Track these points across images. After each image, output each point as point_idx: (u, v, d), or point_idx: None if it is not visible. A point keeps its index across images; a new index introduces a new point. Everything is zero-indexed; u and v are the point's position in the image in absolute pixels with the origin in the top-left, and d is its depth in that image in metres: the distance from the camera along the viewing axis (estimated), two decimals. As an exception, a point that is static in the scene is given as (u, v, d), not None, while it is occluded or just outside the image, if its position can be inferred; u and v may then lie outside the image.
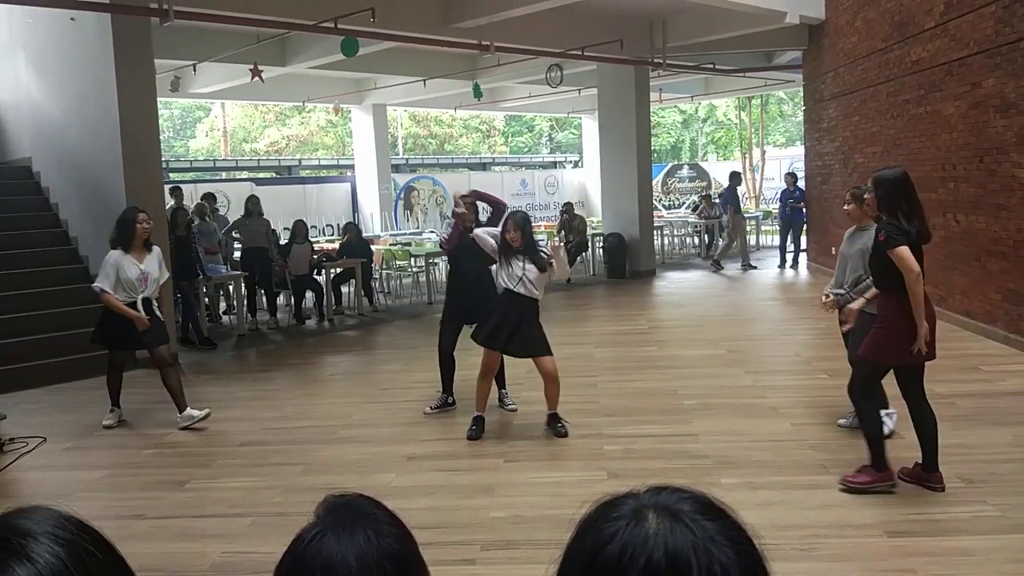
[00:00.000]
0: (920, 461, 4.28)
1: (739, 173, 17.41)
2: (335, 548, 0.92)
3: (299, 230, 10.84)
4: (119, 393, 6.33)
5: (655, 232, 15.14)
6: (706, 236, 17.20)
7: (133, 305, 5.86)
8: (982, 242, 7.86)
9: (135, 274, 5.88)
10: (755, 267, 14.26)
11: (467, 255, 5.93)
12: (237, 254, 11.17)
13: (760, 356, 7.80)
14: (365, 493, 1.03)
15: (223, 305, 11.60)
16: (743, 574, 0.75)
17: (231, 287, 11.26)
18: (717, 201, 17.99)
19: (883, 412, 4.83)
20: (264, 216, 10.84)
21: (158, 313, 6.09)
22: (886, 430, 4.80)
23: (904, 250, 4.01)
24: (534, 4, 9.44)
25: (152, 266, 6.00)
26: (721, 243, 14.95)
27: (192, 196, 13.76)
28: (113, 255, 5.89)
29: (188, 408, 6.06)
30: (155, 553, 3.95)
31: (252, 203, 10.75)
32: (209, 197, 11.89)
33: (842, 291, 5.07)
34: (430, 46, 11.23)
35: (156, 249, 6.13)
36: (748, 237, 14.92)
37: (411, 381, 6.66)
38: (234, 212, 13.25)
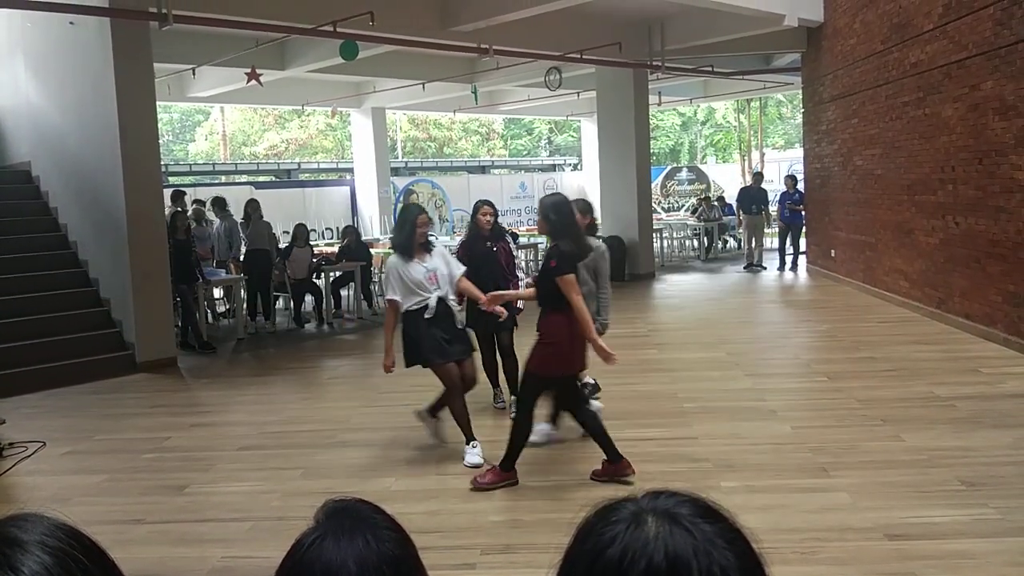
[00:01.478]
0: (605, 458, 4.63)
1: (761, 174, 17.42)
2: (335, 553, 0.92)
3: (300, 234, 10.83)
4: (469, 419, 5.24)
5: (654, 235, 15.14)
6: (705, 239, 17.19)
7: (426, 307, 5.15)
8: (982, 244, 7.86)
9: (421, 273, 5.19)
10: (761, 268, 14.27)
11: (486, 263, 6.10)
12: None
13: (759, 359, 7.80)
14: (364, 497, 1.03)
15: (218, 308, 11.59)
16: (743, 576, 0.75)
17: (229, 290, 11.27)
18: (716, 204, 17.99)
19: (543, 427, 5.23)
20: (264, 219, 10.84)
21: (459, 319, 5.37)
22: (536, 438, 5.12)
23: (571, 278, 4.39)
24: (533, 7, 9.45)
25: (438, 263, 5.28)
26: (754, 245, 14.63)
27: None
28: (392, 261, 5.28)
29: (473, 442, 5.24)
30: (154, 558, 3.94)
31: (252, 207, 10.75)
32: (220, 202, 11.83)
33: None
34: (429, 49, 11.23)
35: (438, 248, 5.49)
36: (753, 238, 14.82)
37: (410, 385, 6.62)
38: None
